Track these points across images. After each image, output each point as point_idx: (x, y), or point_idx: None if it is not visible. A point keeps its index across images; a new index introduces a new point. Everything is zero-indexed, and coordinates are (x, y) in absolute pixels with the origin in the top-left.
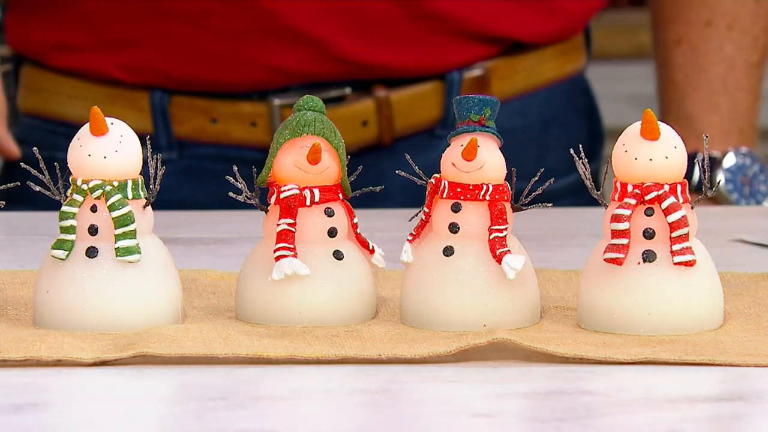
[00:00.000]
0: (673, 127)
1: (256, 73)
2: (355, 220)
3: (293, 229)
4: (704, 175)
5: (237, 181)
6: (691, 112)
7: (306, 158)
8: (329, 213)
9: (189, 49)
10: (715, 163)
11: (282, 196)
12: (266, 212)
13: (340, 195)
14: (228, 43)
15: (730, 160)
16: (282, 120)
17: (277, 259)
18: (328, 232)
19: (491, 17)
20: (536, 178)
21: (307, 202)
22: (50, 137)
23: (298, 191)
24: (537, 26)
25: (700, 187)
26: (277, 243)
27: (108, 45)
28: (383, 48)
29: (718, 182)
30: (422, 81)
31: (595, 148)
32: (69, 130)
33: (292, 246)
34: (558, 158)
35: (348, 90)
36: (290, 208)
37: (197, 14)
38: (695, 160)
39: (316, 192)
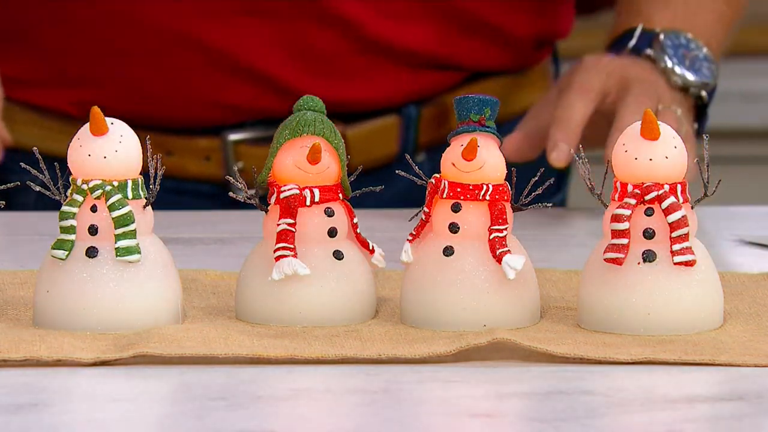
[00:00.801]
0: (618, 19)
1: (210, 110)
2: (355, 220)
3: (293, 229)
4: (704, 175)
5: (237, 181)
6: (638, 6)
7: (306, 158)
8: (329, 213)
9: (143, 88)
10: (655, 36)
11: (282, 196)
12: (266, 212)
13: (340, 195)
14: (181, 82)
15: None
16: (235, 155)
17: (277, 259)
18: (328, 232)
19: (441, 46)
20: (536, 178)
21: (307, 202)
22: (6, 162)
23: (298, 191)
24: (490, 55)
25: (633, 52)
26: (277, 243)
27: (63, 81)
28: (334, 82)
29: (652, 51)
30: (379, 115)
31: (560, 185)
32: (23, 156)
33: (292, 246)
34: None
35: None
36: (290, 208)
37: (150, 53)
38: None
39: (316, 192)
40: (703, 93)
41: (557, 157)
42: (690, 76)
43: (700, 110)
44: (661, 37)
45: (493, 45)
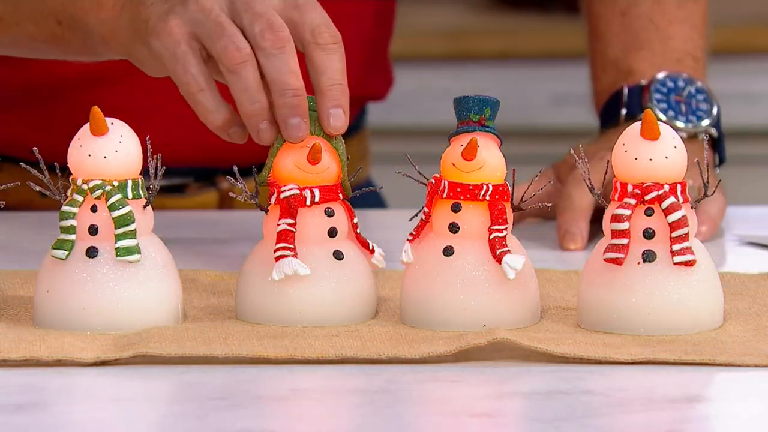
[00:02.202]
0: (599, 76)
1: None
2: (355, 220)
3: (293, 229)
4: (704, 175)
5: (237, 181)
6: (614, 56)
7: (306, 158)
8: (329, 213)
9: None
10: (642, 91)
11: (282, 196)
12: (266, 212)
13: (341, 195)
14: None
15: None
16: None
17: (278, 259)
18: (328, 232)
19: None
20: (536, 178)
21: (308, 202)
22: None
23: (298, 191)
24: None
25: (629, 120)
26: (277, 243)
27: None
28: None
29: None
30: None
31: None
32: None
33: (292, 246)
34: None
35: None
36: (290, 208)
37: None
38: (622, 94)
39: (317, 192)
40: (712, 130)
41: (571, 243)
42: (691, 126)
43: (716, 140)
44: (650, 91)
45: None
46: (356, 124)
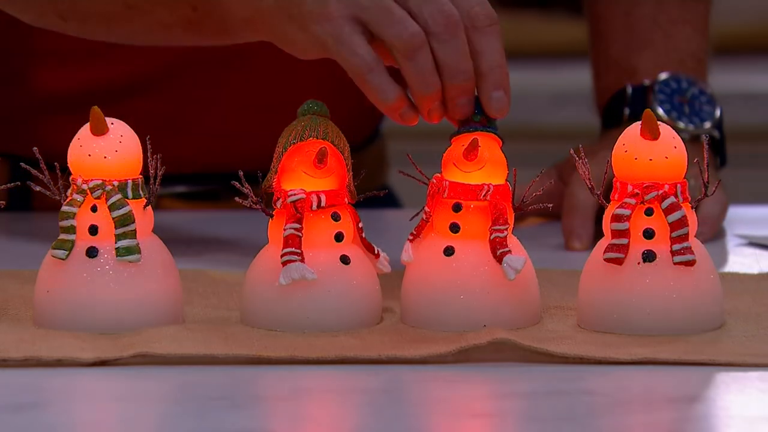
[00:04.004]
0: (601, 74)
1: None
2: (360, 225)
3: (300, 234)
4: (704, 175)
5: (243, 186)
6: (617, 55)
7: (312, 162)
8: (336, 217)
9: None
10: (646, 91)
11: (288, 200)
12: (271, 217)
13: (346, 199)
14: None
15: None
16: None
17: (285, 264)
18: (334, 237)
19: None
20: (537, 179)
21: (314, 207)
22: None
23: (304, 196)
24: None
25: (632, 119)
26: (284, 248)
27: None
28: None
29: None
30: None
31: None
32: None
33: (299, 251)
34: None
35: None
36: (297, 212)
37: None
38: (627, 93)
39: (323, 196)
40: (715, 133)
41: (577, 243)
42: (693, 127)
43: (717, 142)
44: (654, 92)
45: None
46: (374, 135)
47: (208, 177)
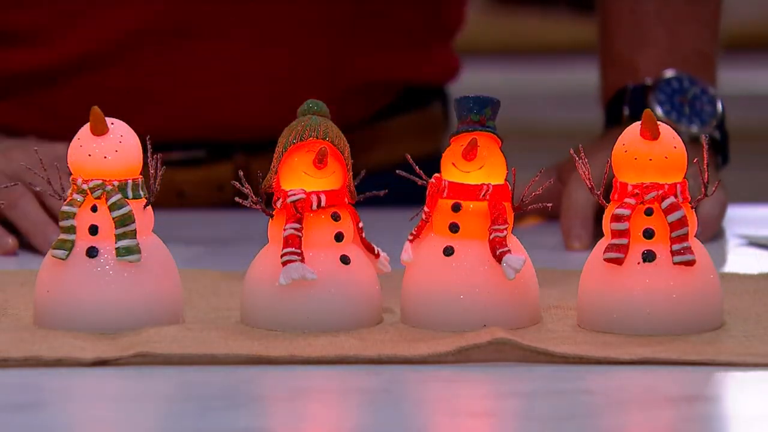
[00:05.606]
0: (606, 71)
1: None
2: (360, 225)
3: (300, 234)
4: (704, 175)
5: (243, 186)
6: (620, 52)
7: (312, 162)
8: (336, 217)
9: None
10: (646, 91)
11: (289, 200)
12: (271, 217)
13: (346, 199)
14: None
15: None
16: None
17: (285, 264)
18: (335, 237)
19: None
20: (536, 178)
21: (314, 207)
22: None
23: (304, 196)
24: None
25: (631, 119)
26: (284, 248)
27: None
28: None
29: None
30: None
31: None
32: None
33: (299, 251)
34: None
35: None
36: (297, 212)
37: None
38: (625, 93)
39: (323, 196)
40: (715, 132)
41: (576, 243)
42: (694, 128)
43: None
44: (654, 92)
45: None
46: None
47: (185, 145)
